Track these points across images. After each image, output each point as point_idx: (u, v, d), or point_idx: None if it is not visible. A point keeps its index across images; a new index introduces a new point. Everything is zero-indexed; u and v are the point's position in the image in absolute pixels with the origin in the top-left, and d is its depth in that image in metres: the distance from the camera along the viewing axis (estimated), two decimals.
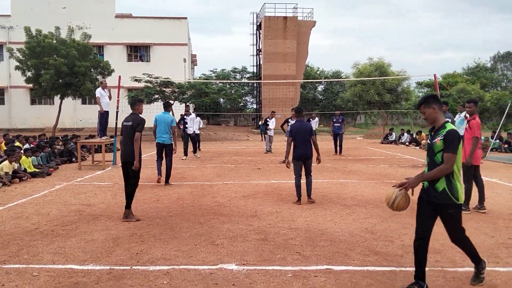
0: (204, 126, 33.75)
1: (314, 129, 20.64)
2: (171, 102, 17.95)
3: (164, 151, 10.84)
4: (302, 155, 8.47)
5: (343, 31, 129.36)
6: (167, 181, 10.76)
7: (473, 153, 7.61)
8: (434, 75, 15.48)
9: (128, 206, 7.27)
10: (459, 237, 4.36)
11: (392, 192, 4.30)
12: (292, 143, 8.55)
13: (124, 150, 7.37)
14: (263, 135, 23.49)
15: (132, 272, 4.85)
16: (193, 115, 17.27)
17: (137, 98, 7.86)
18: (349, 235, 6.21)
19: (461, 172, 4.15)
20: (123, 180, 7.57)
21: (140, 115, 7.52)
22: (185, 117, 16.69)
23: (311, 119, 21.02)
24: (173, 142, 10.86)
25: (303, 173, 8.57)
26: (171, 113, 11.57)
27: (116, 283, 4.54)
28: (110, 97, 14.41)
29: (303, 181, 8.61)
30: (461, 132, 10.43)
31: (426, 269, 4.64)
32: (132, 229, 6.62)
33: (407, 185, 4.24)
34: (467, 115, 8.14)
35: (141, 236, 6.24)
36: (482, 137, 19.95)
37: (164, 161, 10.90)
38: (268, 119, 19.58)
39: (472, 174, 7.78)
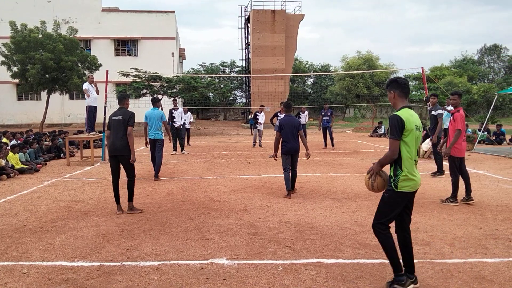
0: (193, 120, 33.66)
1: (304, 123, 20.85)
2: (159, 97, 17.86)
3: (156, 145, 10.91)
4: (290, 149, 8.56)
5: (331, 24, 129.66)
6: (156, 176, 10.81)
7: (453, 144, 7.71)
8: (422, 68, 15.58)
9: (130, 199, 7.42)
10: (375, 225, 4.19)
11: (367, 177, 4.31)
12: (281, 138, 8.62)
13: (114, 144, 7.34)
14: (252, 129, 23.50)
15: (123, 268, 4.83)
16: (180, 109, 17.20)
17: (125, 93, 7.86)
18: (339, 228, 6.25)
19: (409, 162, 4.05)
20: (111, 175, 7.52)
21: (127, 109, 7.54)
22: (173, 111, 16.62)
23: (300, 113, 21.07)
24: (163, 138, 11.13)
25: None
26: (160, 108, 11.57)
27: (106, 279, 4.52)
28: (97, 92, 14.26)
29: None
30: (447, 125, 10.58)
31: (415, 260, 4.69)
32: (122, 225, 6.59)
33: (371, 170, 4.24)
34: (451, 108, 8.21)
35: (131, 231, 6.22)
36: (470, 130, 20.24)
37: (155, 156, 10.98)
38: (257, 113, 19.58)
39: (458, 166, 7.86)
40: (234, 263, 4.93)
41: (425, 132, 20.20)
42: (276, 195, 8.72)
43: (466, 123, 21.04)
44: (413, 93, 48.42)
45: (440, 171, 10.86)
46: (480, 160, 13.77)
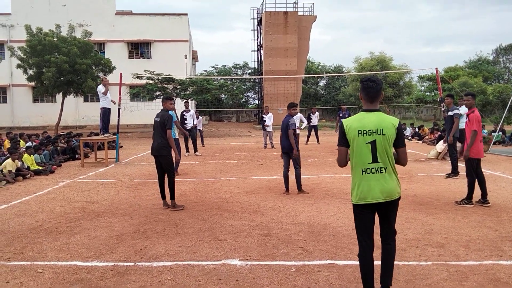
0: (206, 122, 33.77)
1: (315, 124, 20.79)
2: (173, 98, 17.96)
3: None
4: (283, 148, 9.06)
5: (343, 25, 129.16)
6: (176, 170, 11.34)
7: (470, 146, 7.60)
8: (436, 68, 15.42)
9: (172, 197, 7.77)
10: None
11: None
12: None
13: (153, 145, 7.89)
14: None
15: (136, 268, 4.87)
16: (192, 111, 17.28)
17: (166, 95, 8.40)
18: (352, 229, 6.21)
19: (357, 170, 3.83)
20: (126, 177, 7.61)
21: (169, 111, 8.10)
22: (184, 113, 16.68)
23: (311, 114, 21.03)
24: (177, 136, 11.75)
25: (292, 165, 9.04)
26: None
27: (120, 279, 4.56)
28: (105, 93, 14.24)
29: (292, 176, 9.04)
30: (463, 125, 10.49)
31: (429, 262, 4.66)
32: (135, 225, 6.64)
33: None
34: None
35: (144, 232, 6.26)
36: (485, 131, 19.99)
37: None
38: (264, 115, 19.59)
39: (474, 168, 7.75)
40: (247, 264, 4.93)
41: (439, 133, 20.06)
42: (289, 196, 8.71)
43: (482, 124, 20.78)
44: (427, 94, 48.02)
45: (454, 172, 10.74)
46: (496, 162, 13.59)
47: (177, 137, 11.66)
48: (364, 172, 3.77)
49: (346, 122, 3.86)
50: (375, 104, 3.84)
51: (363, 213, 3.81)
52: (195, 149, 16.98)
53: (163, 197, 7.90)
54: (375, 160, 3.73)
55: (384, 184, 3.72)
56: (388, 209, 3.84)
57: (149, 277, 4.60)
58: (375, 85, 3.79)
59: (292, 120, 8.87)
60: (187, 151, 16.62)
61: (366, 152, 3.73)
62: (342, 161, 3.95)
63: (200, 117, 20.20)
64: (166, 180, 7.83)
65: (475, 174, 7.74)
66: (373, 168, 3.74)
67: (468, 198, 7.69)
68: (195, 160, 15.16)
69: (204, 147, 19.93)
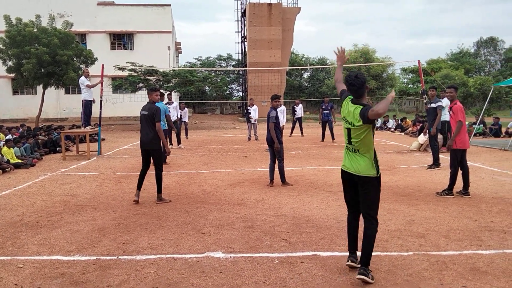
0: (190, 114, 33.60)
1: (300, 116, 20.85)
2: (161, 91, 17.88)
3: None
4: (267, 140, 9.14)
5: (328, 17, 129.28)
6: (165, 161, 11.69)
7: (455, 136, 7.69)
8: (418, 61, 15.55)
9: (159, 190, 7.73)
10: None
11: None
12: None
13: (142, 138, 7.72)
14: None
15: (119, 262, 4.83)
16: (176, 103, 17.19)
17: (152, 86, 8.23)
18: (335, 221, 6.26)
19: (348, 147, 4.43)
20: (108, 170, 7.53)
21: (155, 103, 7.89)
22: (168, 105, 16.56)
23: (295, 106, 21.07)
24: (166, 128, 11.81)
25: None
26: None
27: (102, 273, 4.53)
28: (89, 86, 14.06)
29: (276, 168, 9.09)
30: (447, 117, 10.64)
31: (410, 253, 4.73)
32: (118, 219, 6.59)
33: None
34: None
35: (127, 226, 6.22)
36: (466, 122, 20.26)
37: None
38: (248, 108, 19.57)
39: (459, 159, 7.84)
40: (230, 257, 4.94)
41: (420, 124, 20.29)
42: (272, 188, 8.73)
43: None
44: (409, 86, 48.47)
45: (436, 164, 10.89)
46: (476, 153, 13.81)
47: (166, 128, 11.82)
48: (346, 148, 4.47)
49: (345, 101, 4.47)
50: (361, 100, 4.30)
51: (343, 178, 4.55)
52: (179, 142, 16.89)
53: (139, 187, 7.66)
54: (349, 141, 4.38)
55: (354, 162, 4.37)
56: (362, 184, 4.33)
57: (132, 271, 4.57)
58: (355, 88, 4.26)
59: (273, 113, 8.88)
60: (170, 143, 16.52)
61: (346, 134, 4.40)
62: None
63: (185, 109, 20.08)
64: (149, 173, 7.75)
65: (459, 165, 7.84)
66: (349, 148, 4.43)
67: (449, 189, 7.81)
68: (178, 152, 15.09)
69: (187, 139, 19.82)
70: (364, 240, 4.27)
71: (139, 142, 7.89)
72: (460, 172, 7.84)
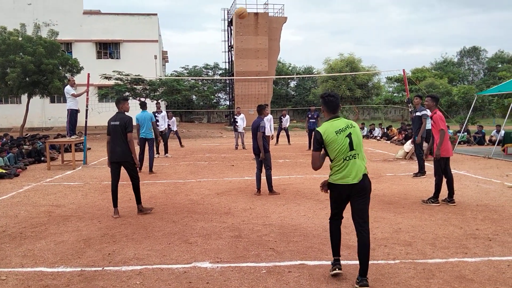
0: (177, 123, 33.51)
1: (285, 126, 20.96)
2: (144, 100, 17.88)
3: (147, 144, 12.37)
4: (253, 149, 9.16)
5: (314, 27, 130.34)
6: (151, 170, 12.04)
7: (440, 145, 7.78)
8: (403, 70, 15.75)
9: (138, 201, 7.52)
10: None
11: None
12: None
13: (114, 150, 7.31)
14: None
15: (104, 273, 4.77)
16: (164, 112, 17.14)
17: (122, 96, 8.00)
18: (322, 230, 6.27)
19: (350, 157, 4.45)
20: (93, 179, 7.44)
21: (126, 113, 7.59)
22: (156, 114, 16.50)
23: (282, 117, 21.20)
24: (153, 137, 12.52)
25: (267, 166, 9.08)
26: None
27: (87, 284, 4.46)
28: (75, 96, 13.93)
29: (263, 177, 9.07)
30: (429, 125, 10.78)
31: (397, 261, 4.75)
32: (103, 229, 6.51)
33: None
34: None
35: (113, 236, 6.15)
36: (450, 131, 20.51)
37: (147, 155, 12.40)
38: (236, 116, 19.59)
39: (443, 167, 7.93)
40: (218, 267, 4.91)
41: (405, 133, 20.47)
42: (260, 197, 8.72)
43: (446, 124, 21.30)
44: (394, 95, 48.96)
45: (421, 172, 10.98)
46: (461, 161, 13.97)
47: (153, 137, 12.39)
48: (351, 158, 4.43)
49: (321, 129, 4.49)
50: (337, 113, 4.62)
51: (337, 192, 4.52)
52: (166, 151, 16.81)
53: (115, 204, 7.41)
54: (352, 148, 4.44)
55: (358, 167, 4.45)
56: (360, 191, 4.45)
57: (118, 282, 4.52)
58: (335, 99, 4.59)
59: (262, 122, 8.91)
60: (157, 152, 16.42)
61: (347, 144, 4.42)
62: (317, 163, 4.59)
63: (173, 118, 20.06)
64: (128, 183, 7.65)
65: (443, 172, 7.92)
66: (351, 155, 4.44)
67: (435, 197, 7.87)
68: (165, 161, 15.01)
69: (183, 147, 20.34)
70: (365, 249, 4.34)
71: (108, 154, 7.47)
72: (444, 180, 7.92)
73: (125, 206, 8.00)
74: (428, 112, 11.26)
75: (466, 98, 40.49)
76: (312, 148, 4.61)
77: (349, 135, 4.45)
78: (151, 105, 24.91)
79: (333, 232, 4.68)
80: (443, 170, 7.92)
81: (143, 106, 12.58)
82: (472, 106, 19.97)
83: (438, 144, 7.79)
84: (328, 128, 4.46)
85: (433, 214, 7.12)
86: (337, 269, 4.57)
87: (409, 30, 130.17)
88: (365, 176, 4.44)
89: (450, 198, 7.88)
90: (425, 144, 11.55)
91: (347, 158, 4.42)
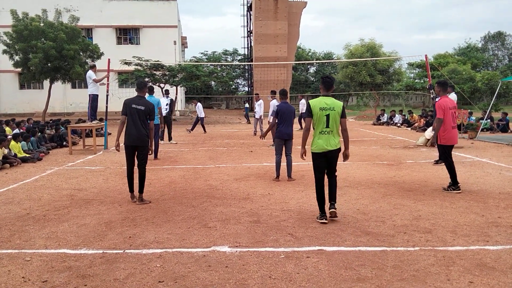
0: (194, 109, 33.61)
1: (303, 110, 20.98)
2: (162, 85, 17.71)
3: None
4: (285, 134, 8.95)
5: (336, 12, 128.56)
6: (156, 156, 11.95)
7: (436, 133, 7.90)
8: (425, 55, 15.44)
9: (141, 190, 7.29)
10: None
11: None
12: (276, 123, 9.11)
13: (135, 134, 7.17)
14: (248, 118, 23.70)
15: (125, 255, 4.85)
16: (166, 99, 16.71)
17: (145, 81, 7.89)
18: (341, 216, 6.25)
19: (317, 132, 5.95)
20: (114, 164, 7.53)
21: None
22: (166, 97, 16.29)
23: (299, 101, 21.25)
24: (159, 122, 12.16)
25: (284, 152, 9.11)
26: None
27: (109, 266, 4.54)
28: (96, 81, 14.06)
29: (283, 163, 9.06)
30: None
31: (417, 248, 4.71)
32: (124, 213, 6.61)
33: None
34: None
35: (133, 220, 6.24)
36: (473, 118, 20.15)
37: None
38: (255, 102, 19.57)
39: (448, 153, 7.96)
40: (236, 251, 4.94)
41: (427, 119, 20.18)
42: (278, 183, 8.73)
43: (470, 111, 20.92)
44: (416, 81, 48.18)
45: (442, 159, 10.82)
46: (483, 148, 13.73)
47: (158, 123, 12.07)
48: (321, 133, 5.90)
49: (311, 102, 5.94)
50: (329, 92, 6.02)
51: (320, 158, 5.99)
52: (170, 138, 16.56)
53: (132, 189, 7.40)
54: (327, 126, 5.86)
55: (331, 141, 5.92)
56: (332, 156, 5.99)
57: (138, 265, 4.59)
58: (330, 81, 6.06)
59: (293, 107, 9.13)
60: (162, 138, 16.25)
61: (324, 121, 5.84)
62: (308, 126, 6.07)
63: (198, 103, 20.18)
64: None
65: (444, 160, 8.03)
66: (326, 131, 5.89)
67: (454, 183, 7.77)
68: (184, 147, 15.11)
69: (205, 133, 20.57)
70: (334, 187, 6.11)
71: (125, 137, 7.31)
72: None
73: (145, 191, 8.05)
74: (452, 98, 11.09)
75: (490, 85, 39.62)
76: (303, 115, 5.46)
77: (327, 115, 5.80)
78: (171, 91, 25.12)
79: (322, 189, 6.05)
80: (446, 157, 7.96)
81: (150, 90, 11.98)
82: (496, 92, 19.58)
83: (435, 133, 7.88)
84: (317, 103, 5.87)
85: (454, 202, 7.03)
86: (325, 218, 5.90)
87: (433, 15, 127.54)
88: (338, 148, 5.95)
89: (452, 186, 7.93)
90: None
91: (324, 132, 5.86)
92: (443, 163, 10.63)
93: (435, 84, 8.22)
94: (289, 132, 8.91)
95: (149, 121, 7.32)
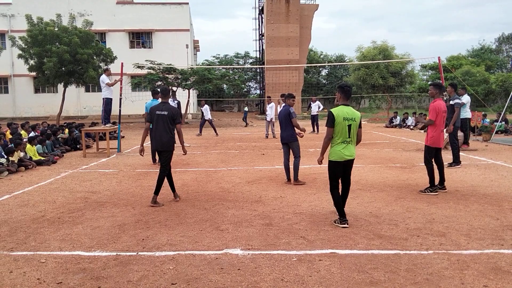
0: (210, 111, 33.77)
1: (315, 113, 21.06)
2: (174, 88, 17.73)
3: None
4: (283, 139, 9.09)
5: (347, 14, 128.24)
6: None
7: (425, 126, 8.16)
8: (439, 57, 15.31)
9: (157, 192, 7.37)
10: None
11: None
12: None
13: (157, 139, 7.38)
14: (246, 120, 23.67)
15: (138, 257, 4.89)
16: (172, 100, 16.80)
17: (167, 87, 7.95)
18: (353, 219, 6.23)
19: (348, 141, 5.92)
20: (127, 167, 7.60)
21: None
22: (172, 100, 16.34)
23: (311, 103, 21.22)
24: None
25: (292, 155, 9.09)
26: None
27: (122, 268, 4.59)
28: (109, 84, 14.17)
29: (291, 166, 9.07)
30: (465, 114, 10.71)
31: (430, 251, 4.68)
32: (137, 215, 6.66)
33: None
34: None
35: (146, 222, 6.28)
36: (487, 120, 19.93)
37: None
38: (267, 105, 19.65)
39: (433, 156, 8.06)
40: (249, 254, 4.96)
41: None
42: (290, 186, 8.72)
43: (484, 113, 20.67)
44: (429, 83, 47.76)
45: (456, 161, 10.74)
46: (498, 151, 13.57)
47: None
48: (348, 143, 5.95)
49: (334, 112, 5.87)
50: (349, 101, 6.05)
51: (338, 167, 6.02)
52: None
53: (173, 190, 7.70)
54: (349, 136, 5.91)
55: (351, 150, 6.00)
56: (349, 165, 6.06)
57: (151, 267, 4.62)
58: (350, 90, 6.10)
59: (292, 109, 8.97)
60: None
61: (346, 131, 5.88)
62: (330, 137, 6.02)
63: (206, 105, 20.21)
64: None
65: (435, 161, 8.11)
66: (347, 140, 5.93)
67: (431, 186, 7.88)
68: (196, 150, 15.17)
69: (217, 136, 20.52)
70: (346, 194, 6.24)
71: (150, 143, 7.60)
72: (436, 167, 8.07)
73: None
74: (464, 100, 11.01)
75: (504, 86, 39.16)
76: (326, 125, 5.98)
77: (349, 126, 5.88)
78: (182, 94, 25.20)
79: (338, 197, 6.09)
80: (435, 159, 8.08)
81: (154, 94, 11.76)
82: (511, 94, 19.32)
83: (424, 124, 8.05)
84: (340, 113, 5.86)
85: (468, 205, 6.97)
86: (346, 223, 5.91)
87: (446, 16, 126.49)
88: (354, 158, 6.03)
89: (441, 185, 8.03)
90: (460, 133, 11.28)
91: (345, 142, 5.92)
92: (457, 166, 10.60)
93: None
94: (284, 135, 8.98)
95: (175, 125, 7.43)
